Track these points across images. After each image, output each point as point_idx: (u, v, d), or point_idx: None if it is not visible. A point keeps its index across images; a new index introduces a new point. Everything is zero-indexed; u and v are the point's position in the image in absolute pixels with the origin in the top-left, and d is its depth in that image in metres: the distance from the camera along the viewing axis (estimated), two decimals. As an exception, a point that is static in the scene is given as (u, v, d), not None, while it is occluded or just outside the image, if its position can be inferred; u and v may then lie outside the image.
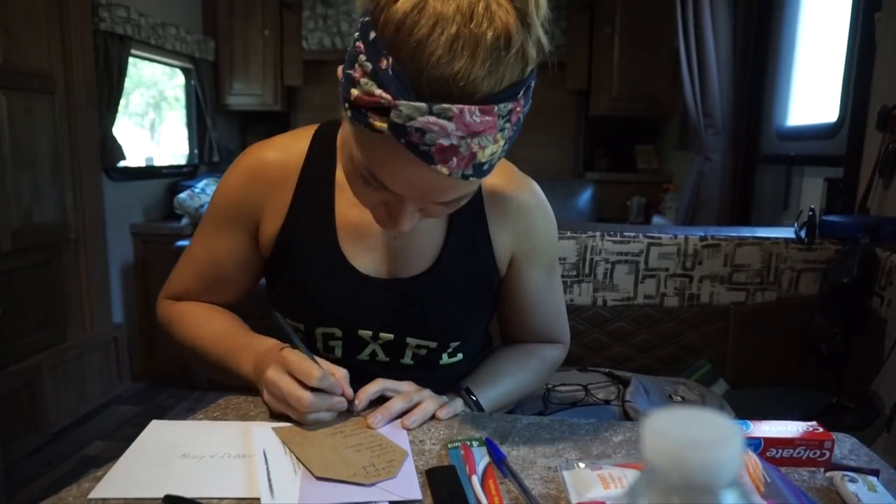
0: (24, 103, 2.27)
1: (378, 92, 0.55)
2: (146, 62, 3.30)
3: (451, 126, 0.55)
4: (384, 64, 0.55)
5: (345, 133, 0.65)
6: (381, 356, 0.85)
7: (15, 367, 2.26)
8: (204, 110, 3.59)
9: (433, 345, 0.85)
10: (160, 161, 3.48)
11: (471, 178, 0.60)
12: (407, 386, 0.78)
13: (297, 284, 0.84)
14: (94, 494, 0.57)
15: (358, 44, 0.58)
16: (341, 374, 0.73)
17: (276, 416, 0.73)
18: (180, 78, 3.63)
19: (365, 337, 0.83)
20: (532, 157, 3.65)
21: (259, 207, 0.84)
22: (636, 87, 3.51)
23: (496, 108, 0.56)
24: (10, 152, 2.21)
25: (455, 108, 0.55)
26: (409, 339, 0.84)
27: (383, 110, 0.56)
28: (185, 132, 3.72)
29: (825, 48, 2.33)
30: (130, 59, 2.92)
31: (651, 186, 3.64)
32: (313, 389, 0.69)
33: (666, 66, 3.42)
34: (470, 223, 0.84)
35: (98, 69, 2.67)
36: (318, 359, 0.73)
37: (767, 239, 1.63)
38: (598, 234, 1.63)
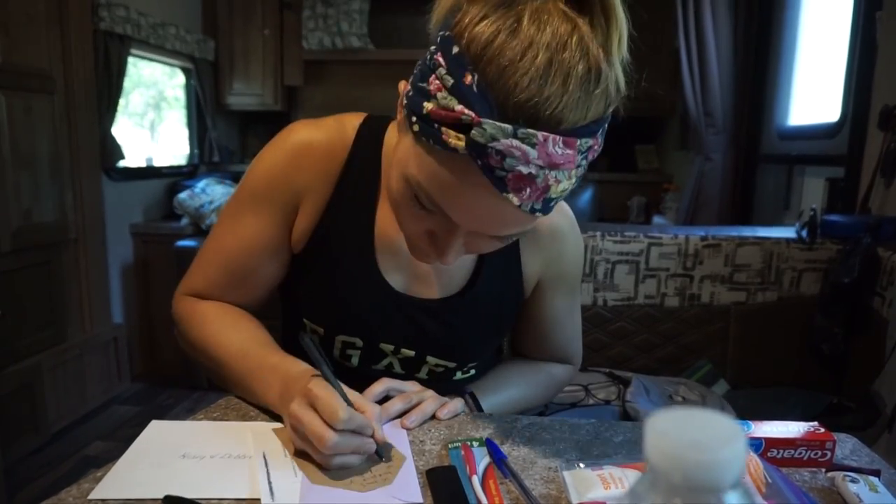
0: (24, 103, 2.27)
1: (459, 107, 0.52)
2: (146, 62, 3.30)
3: (533, 153, 0.52)
4: (468, 80, 0.52)
5: (401, 151, 0.61)
6: (398, 369, 0.84)
7: (15, 367, 2.26)
8: (204, 110, 3.58)
9: (452, 364, 0.85)
10: (160, 161, 3.48)
11: (536, 214, 0.57)
12: (411, 386, 0.78)
13: (325, 288, 0.80)
14: (94, 495, 0.57)
15: (437, 56, 0.55)
16: (372, 411, 0.65)
17: (276, 416, 0.72)
18: (180, 78, 3.63)
19: (385, 350, 0.83)
20: (532, 157, 3.64)
21: (301, 192, 0.77)
22: (636, 86, 3.50)
23: (578, 143, 0.54)
24: (10, 152, 2.21)
25: (540, 134, 0.52)
26: (429, 358, 0.84)
27: (463, 127, 0.52)
28: (185, 132, 3.72)
29: (826, 48, 2.32)
30: (130, 59, 2.92)
31: (651, 186, 3.64)
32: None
33: (666, 66, 3.41)
34: (503, 247, 0.82)
35: (98, 69, 2.67)
36: (348, 390, 0.66)
37: (768, 239, 1.63)
38: (598, 233, 1.63)
